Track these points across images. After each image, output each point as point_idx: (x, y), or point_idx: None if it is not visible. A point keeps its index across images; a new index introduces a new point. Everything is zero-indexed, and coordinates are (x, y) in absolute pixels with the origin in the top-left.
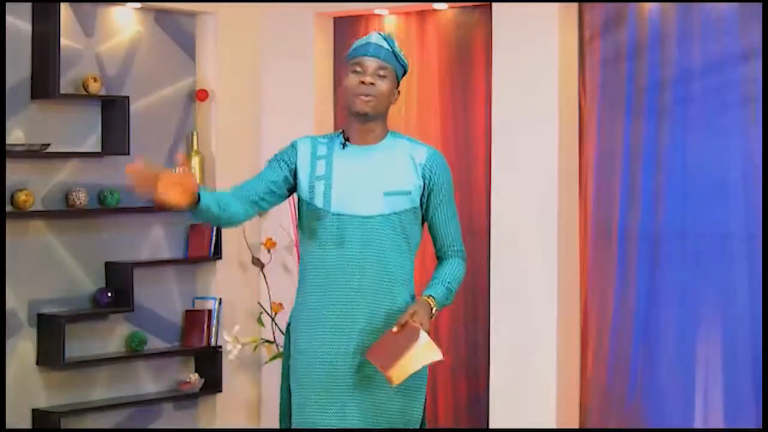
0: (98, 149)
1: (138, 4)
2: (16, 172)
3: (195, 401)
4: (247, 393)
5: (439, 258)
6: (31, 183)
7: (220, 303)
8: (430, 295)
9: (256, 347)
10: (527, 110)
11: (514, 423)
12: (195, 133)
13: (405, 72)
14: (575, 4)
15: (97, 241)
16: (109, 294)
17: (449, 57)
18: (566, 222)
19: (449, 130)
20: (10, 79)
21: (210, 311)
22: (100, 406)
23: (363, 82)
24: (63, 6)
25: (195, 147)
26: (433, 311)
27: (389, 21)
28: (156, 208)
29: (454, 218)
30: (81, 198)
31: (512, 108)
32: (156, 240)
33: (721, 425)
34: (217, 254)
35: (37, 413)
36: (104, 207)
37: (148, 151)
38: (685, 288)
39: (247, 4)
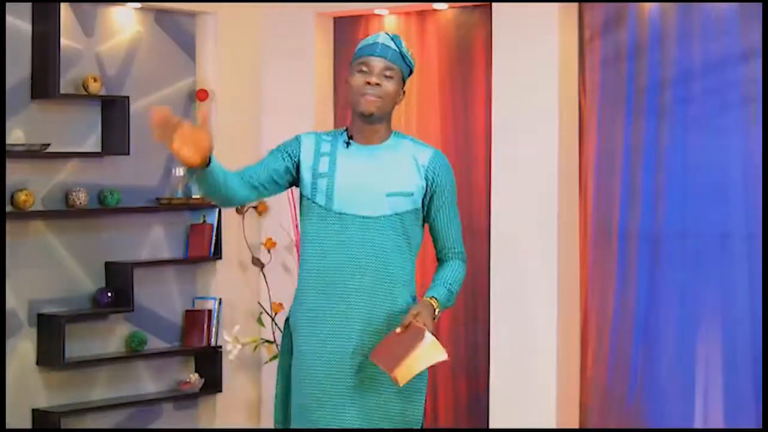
0: (98, 149)
1: (138, 4)
2: (16, 172)
3: (195, 401)
4: (247, 393)
5: (440, 260)
6: (31, 183)
7: (220, 303)
8: (433, 297)
9: (256, 347)
10: (527, 110)
11: (514, 423)
12: None
13: (411, 72)
14: (575, 4)
15: (97, 241)
16: (109, 294)
17: (449, 57)
18: (566, 222)
19: (449, 130)
20: (10, 79)
21: (210, 311)
22: (100, 406)
23: (369, 83)
24: (63, 6)
25: None
26: (436, 312)
27: (389, 21)
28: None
29: (456, 220)
30: (81, 198)
31: (512, 108)
32: (156, 240)
33: (721, 425)
34: (217, 254)
35: (37, 413)
36: (104, 207)
37: (148, 151)
38: (685, 288)
39: (247, 4)
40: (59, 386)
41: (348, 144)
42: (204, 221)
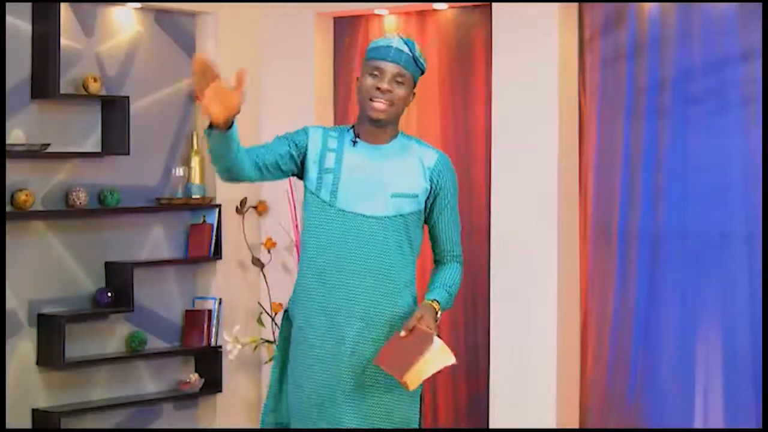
0: (98, 149)
1: (138, 4)
2: (16, 172)
3: (195, 401)
4: (247, 393)
5: (437, 261)
6: (31, 183)
7: (220, 303)
8: (435, 300)
9: (256, 347)
10: (527, 110)
11: (514, 423)
12: (195, 133)
13: (423, 73)
14: (575, 4)
15: (97, 241)
16: (109, 294)
17: (449, 57)
18: (566, 222)
19: (449, 130)
20: (10, 79)
21: (210, 311)
22: (100, 406)
23: (380, 89)
24: (63, 6)
25: (195, 147)
26: (438, 315)
27: (389, 21)
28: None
29: (456, 223)
30: (81, 198)
31: (512, 108)
32: (156, 240)
33: (721, 425)
34: (217, 254)
35: (37, 413)
36: (104, 207)
37: (148, 151)
38: (685, 288)
39: (247, 4)
40: (59, 386)
41: (355, 143)
42: (204, 221)
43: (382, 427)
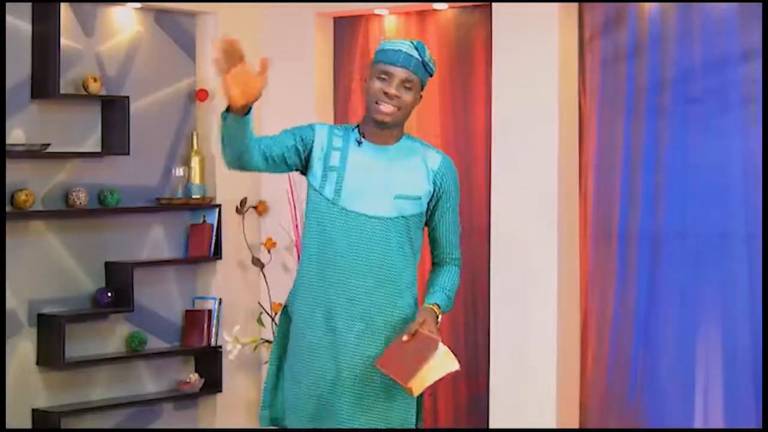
0: (98, 149)
1: (138, 4)
2: (16, 172)
3: (195, 401)
4: (247, 393)
5: (435, 264)
6: (31, 183)
7: (220, 303)
8: (436, 303)
9: (256, 347)
10: (527, 110)
11: (514, 423)
12: (195, 133)
13: (431, 76)
14: (575, 4)
15: (97, 241)
16: (109, 294)
17: (449, 57)
18: (566, 222)
19: (449, 130)
20: (10, 79)
21: (210, 311)
22: (100, 406)
23: (387, 93)
24: (63, 6)
25: (195, 147)
26: (438, 319)
27: (389, 21)
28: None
29: (456, 226)
30: (81, 198)
31: (512, 108)
32: (156, 240)
33: (721, 425)
34: (217, 254)
35: (37, 413)
36: (104, 207)
37: (148, 151)
38: (685, 288)
39: (247, 4)
40: (59, 386)
41: (360, 143)
42: (204, 221)
43: (379, 426)
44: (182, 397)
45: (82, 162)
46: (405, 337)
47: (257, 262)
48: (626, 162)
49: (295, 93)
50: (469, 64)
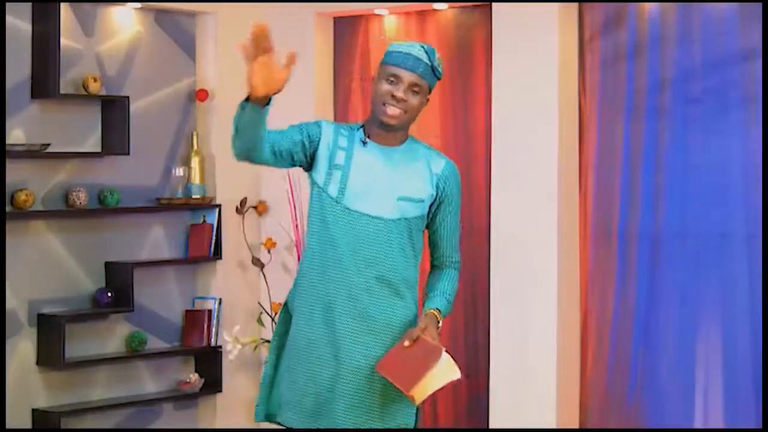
0: (98, 149)
1: (138, 4)
2: (16, 172)
3: (195, 401)
4: (247, 393)
5: (434, 266)
6: (31, 183)
7: (220, 303)
8: (437, 309)
9: (256, 347)
10: (527, 110)
11: (514, 423)
12: (195, 133)
13: (439, 80)
14: (575, 4)
15: (97, 241)
16: (109, 294)
17: (449, 57)
18: (566, 222)
19: (449, 130)
20: (10, 79)
21: (210, 311)
22: (100, 406)
23: (395, 96)
24: (63, 6)
25: (195, 147)
26: (439, 325)
27: (389, 21)
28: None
29: (457, 230)
30: (81, 198)
31: (512, 108)
32: (156, 240)
33: (721, 425)
34: (217, 254)
35: (37, 413)
36: (104, 207)
37: (148, 151)
38: (685, 288)
39: (247, 4)
40: (59, 386)
41: (365, 143)
42: (204, 221)
43: (377, 426)
44: (182, 397)
45: (82, 162)
46: (406, 343)
47: (257, 262)
48: (626, 162)
49: (295, 93)
50: (469, 64)
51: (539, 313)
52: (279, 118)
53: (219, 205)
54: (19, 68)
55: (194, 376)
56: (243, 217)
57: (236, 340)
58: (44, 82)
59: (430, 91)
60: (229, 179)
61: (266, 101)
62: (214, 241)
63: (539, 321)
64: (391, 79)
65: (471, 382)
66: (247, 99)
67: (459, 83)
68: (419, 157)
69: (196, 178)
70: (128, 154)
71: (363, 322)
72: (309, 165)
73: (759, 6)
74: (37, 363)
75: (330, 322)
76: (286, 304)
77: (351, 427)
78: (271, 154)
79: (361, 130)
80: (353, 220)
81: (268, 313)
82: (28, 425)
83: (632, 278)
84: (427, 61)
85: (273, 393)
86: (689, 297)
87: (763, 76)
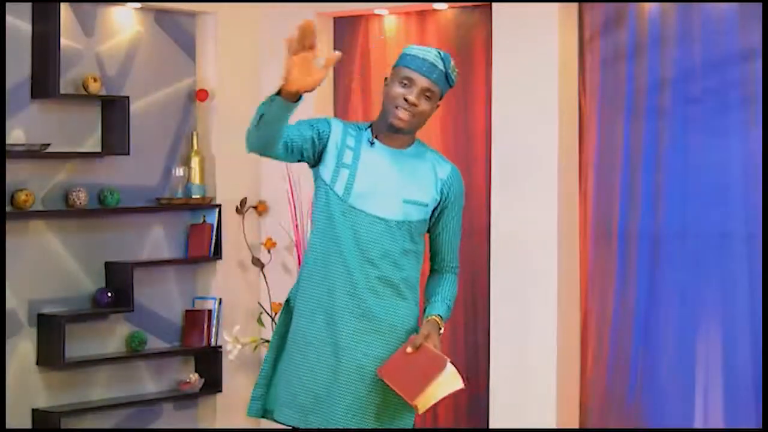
0: (98, 149)
1: (138, 4)
2: (16, 172)
3: (195, 401)
4: (247, 393)
5: (435, 271)
6: (31, 183)
7: (220, 303)
8: (438, 315)
9: (256, 347)
10: (527, 110)
11: (514, 423)
12: (195, 133)
13: (451, 87)
14: (575, 4)
15: (97, 241)
16: (109, 294)
17: None
18: (566, 222)
19: (449, 130)
20: (10, 79)
21: (210, 311)
22: (100, 406)
23: (407, 100)
24: (63, 6)
25: (195, 147)
26: (441, 331)
27: (389, 21)
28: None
29: (458, 235)
30: (81, 198)
31: (512, 108)
32: (156, 240)
33: (721, 425)
34: (217, 254)
35: (37, 413)
36: (104, 207)
37: (148, 151)
38: (685, 288)
39: (247, 4)
40: (59, 386)
41: (372, 143)
42: (204, 221)
43: (375, 426)
44: (182, 397)
45: (82, 162)
46: (409, 349)
47: (257, 262)
48: (626, 162)
49: None
50: (469, 64)
51: (539, 313)
52: None
53: (219, 205)
54: (19, 68)
55: (194, 376)
56: (243, 217)
57: (236, 340)
58: (44, 82)
59: (441, 98)
60: (229, 179)
61: (296, 98)
62: (214, 241)
63: (539, 321)
64: (405, 82)
65: (471, 382)
66: (277, 93)
67: (459, 83)
68: (425, 161)
69: (196, 178)
70: (128, 154)
71: (367, 321)
72: (315, 161)
73: (759, 6)
74: (37, 363)
75: (331, 320)
76: (288, 301)
77: (350, 427)
78: (283, 149)
79: (369, 130)
80: (358, 219)
81: (268, 313)
82: (28, 425)
83: (632, 278)
84: (442, 68)
85: (271, 390)
86: (689, 297)
87: (763, 76)
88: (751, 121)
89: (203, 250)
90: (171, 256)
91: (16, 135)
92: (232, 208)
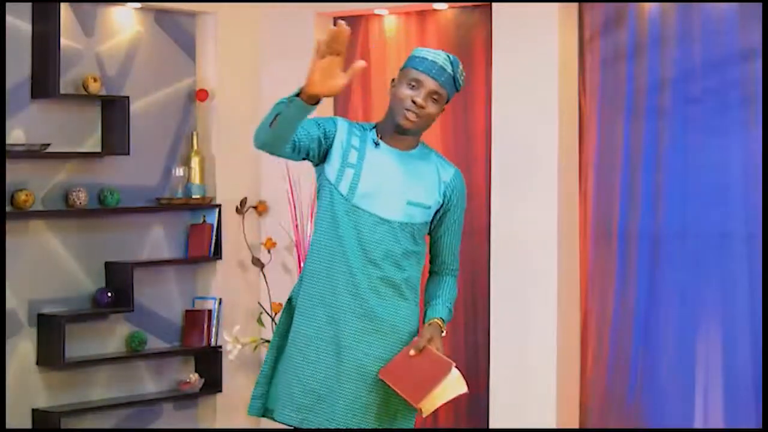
0: (98, 149)
1: (138, 4)
2: (16, 172)
3: (195, 401)
4: (247, 393)
5: (434, 273)
6: (31, 183)
7: (220, 303)
8: (440, 318)
9: (256, 347)
10: (527, 110)
11: (514, 423)
12: (195, 133)
13: (458, 91)
14: (575, 4)
15: (97, 241)
16: (109, 294)
17: None
18: (566, 222)
19: (449, 130)
20: (10, 79)
21: (210, 311)
22: (100, 406)
23: (414, 102)
24: (63, 6)
25: (195, 147)
26: (443, 334)
27: (389, 21)
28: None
29: (459, 238)
30: (81, 198)
31: (512, 108)
32: (156, 240)
33: (721, 425)
34: (217, 254)
35: (37, 413)
36: (104, 207)
37: (148, 151)
38: (685, 288)
39: (247, 4)
40: (59, 386)
41: (377, 144)
42: (204, 221)
43: (376, 426)
44: (182, 397)
45: (82, 162)
46: (412, 352)
47: (257, 262)
48: (626, 162)
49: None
50: (469, 64)
51: (539, 313)
52: None
53: (219, 205)
54: (19, 68)
55: (194, 376)
56: (243, 217)
57: (236, 340)
58: (44, 82)
59: (447, 101)
60: (229, 179)
61: (315, 100)
62: (214, 241)
63: (539, 321)
64: (413, 83)
65: (471, 382)
66: (297, 95)
67: None
68: (430, 163)
69: (196, 178)
70: (128, 154)
71: (369, 321)
72: (320, 160)
73: (759, 6)
74: (37, 363)
75: (332, 319)
76: (290, 299)
77: (350, 427)
78: (290, 148)
79: (374, 130)
80: (362, 220)
81: (268, 313)
82: (28, 425)
83: (632, 278)
84: (451, 72)
85: (271, 389)
86: (689, 297)
87: (763, 76)
88: (751, 121)
89: (203, 250)
90: (171, 256)
91: (16, 135)
92: (232, 208)
